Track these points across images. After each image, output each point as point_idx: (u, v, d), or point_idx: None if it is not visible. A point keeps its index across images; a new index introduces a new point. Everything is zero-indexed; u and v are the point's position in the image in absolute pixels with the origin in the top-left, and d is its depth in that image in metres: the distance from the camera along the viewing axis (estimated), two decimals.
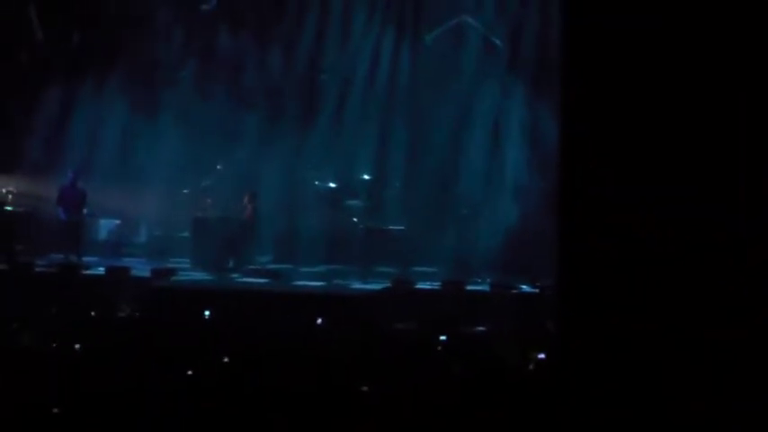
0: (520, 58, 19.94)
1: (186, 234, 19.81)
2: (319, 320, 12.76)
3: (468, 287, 16.67)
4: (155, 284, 16.39)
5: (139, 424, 6.56)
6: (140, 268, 17.73)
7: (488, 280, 17.37)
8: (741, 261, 5.42)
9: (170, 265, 18.32)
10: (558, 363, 6.24)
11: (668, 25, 5.55)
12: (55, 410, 6.67)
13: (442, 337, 10.42)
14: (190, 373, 7.74)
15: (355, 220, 19.67)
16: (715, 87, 5.50)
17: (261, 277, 17.61)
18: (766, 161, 5.44)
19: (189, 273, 18.26)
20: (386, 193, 20.24)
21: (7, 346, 9.07)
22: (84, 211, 18.98)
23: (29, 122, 20.47)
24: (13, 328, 10.24)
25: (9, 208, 19.26)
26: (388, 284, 16.79)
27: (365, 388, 7.38)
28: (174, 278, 17.30)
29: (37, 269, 17.17)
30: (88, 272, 17.49)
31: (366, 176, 20.16)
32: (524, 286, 16.60)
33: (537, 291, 16.04)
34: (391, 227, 19.51)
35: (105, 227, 20.49)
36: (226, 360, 8.44)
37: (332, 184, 20.20)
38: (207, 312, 13.10)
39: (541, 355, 8.65)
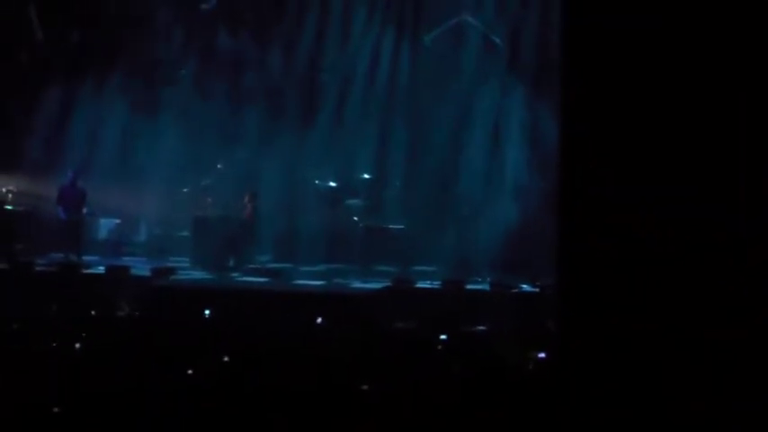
0: (520, 57, 19.95)
1: (186, 233, 19.82)
2: (319, 319, 12.77)
3: (469, 286, 16.68)
4: (155, 283, 16.39)
5: (139, 423, 6.56)
6: (140, 267, 17.74)
7: (488, 279, 17.38)
8: (741, 261, 5.42)
9: (170, 265, 18.33)
10: (558, 362, 6.25)
11: (668, 25, 5.55)
12: (55, 410, 6.66)
13: (443, 337, 10.43)
14: (190, 372, 7.74)
15: (355, 219, 19.69)
16: (715, 87, 5.50)
17: (261, 276, 17.63)
18: (766, 161, 5.44)
19: (189, 272, 18.27)
20: (386, 193, 20.26)
21: (7, 346, 9.07)
22: (84, 210, 18.99)
23: (29, 122, 20.48)
24: (13, 327, 10.25)
25: (9, 207, 19.28)
26: (389, 283, 16.80)
27: (365, 387, 7.38)
28: (174, 277, 17.31)
29: (37, 268, 17.17)
30: (88, 271, 17.50)
31: (366, 175, 20.18)
32: (524, 285, 16.61)
33: (537, 290, 16.06)
34: (391, 226, 19.52)
35: (105, 226, 20.50)
36: (226, 359, 8.44)
37: (332, 184, 20.22)
38: (207, 311, 13.11)
39: (541, 355, 8.65)
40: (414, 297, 16.00)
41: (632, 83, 5.59)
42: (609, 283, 5.59)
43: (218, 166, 20.36)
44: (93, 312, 12.77)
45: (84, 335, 9.58)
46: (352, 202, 19.94)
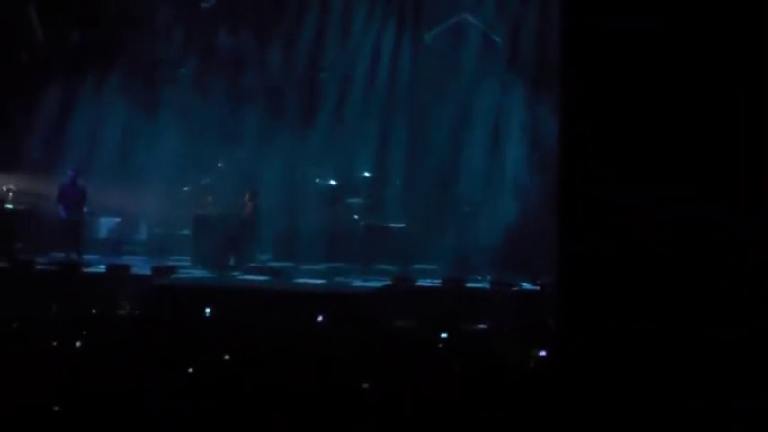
0: (520, 57, 19.94)
1: (187, 232, 19.83)
2: (320, 318, 12.79)
3: (469, 284, 16.68)
4: (155, 282, 16.40)
5: (140, 422, 6.56)
6: (141, 266, 17.75)
7: (489, 277, 17.37)
8: (741, 261, 5.43)
9: (170, 263, 18.33)
10: (558, 360, 6.25)
11: (668, 25, 5.55)
12: (55, 408, 6.67)
13: (443, 335, 10.44)
14: (190, 370, 7.75)
15: (356, 217, 19.69)
16: (715, 87, 5.50)
17: (261, 275, 17.63)
18: (766, 161, 5.44)
19: (189, 270, 18.28)
20: (386, 191, 20.26)
21: (7, 345, 9.07)
22: (85, 209, 19.00)
23: (29, 122, 20.49)
24: (14, 326, 10.25)
25: (9, 206, 19.27)
26: (389, 282, 16.81)
27: (366, 385, 7.38)
28: (175, 276, 17.32)
29: (37, 267, 17.19)
30: (89, 270, 17.52)
31: (366, 174, 20.19)
32: (525, 283, 16.61)
33: (537, 288, 16.06)
34: (392, 224, 19.52)
35: (106, 225, 20.50)
36: (226, 358, 8.45)
37: (332, 182, 20.23)
38: (207, 310, 13.13)
39: (542, 353, 8.66)
40: (414, 296, 16.01)
41: (632, 83, 5.60)
42: (609, 283, 5.60)
43: (219, 164, 20.37)
44: (93, 311, 12.79)
45: (84, 334, 9.60)
46: (353, 200, 19.95)
